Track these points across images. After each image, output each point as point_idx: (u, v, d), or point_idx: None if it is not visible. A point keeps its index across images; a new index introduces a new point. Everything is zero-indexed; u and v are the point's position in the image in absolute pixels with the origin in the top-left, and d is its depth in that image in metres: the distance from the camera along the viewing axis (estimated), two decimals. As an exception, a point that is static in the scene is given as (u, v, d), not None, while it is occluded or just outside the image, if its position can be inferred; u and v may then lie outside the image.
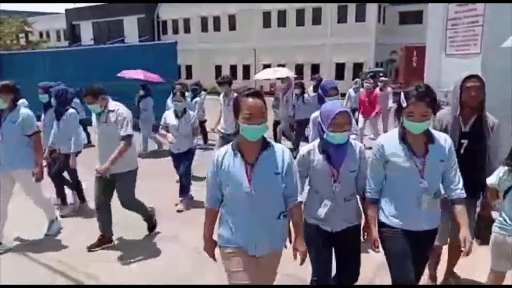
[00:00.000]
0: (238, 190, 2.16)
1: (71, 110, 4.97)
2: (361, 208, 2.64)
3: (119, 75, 10.61)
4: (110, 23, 37.89)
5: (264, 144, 2.21)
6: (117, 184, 4.04)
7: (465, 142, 2.92)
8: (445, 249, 3.26)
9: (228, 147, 2.25)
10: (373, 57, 27.51)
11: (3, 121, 4.01)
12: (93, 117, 4.12)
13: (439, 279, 3.36)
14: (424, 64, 5.04)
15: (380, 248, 2.49)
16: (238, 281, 2.23)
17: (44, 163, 4.88)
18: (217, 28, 33.75)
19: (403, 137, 2.37)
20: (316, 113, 3.39)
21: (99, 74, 9.93)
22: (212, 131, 6.65)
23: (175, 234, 4.52)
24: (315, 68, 28.96)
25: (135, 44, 24.24)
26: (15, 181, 4.17)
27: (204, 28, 34.37)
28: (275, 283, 2.47)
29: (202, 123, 8.76)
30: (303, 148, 2.65)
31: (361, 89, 10.06)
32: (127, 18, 36.81)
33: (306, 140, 8.42)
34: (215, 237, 2.39)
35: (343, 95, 8.36)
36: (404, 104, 2.29)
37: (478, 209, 3.10)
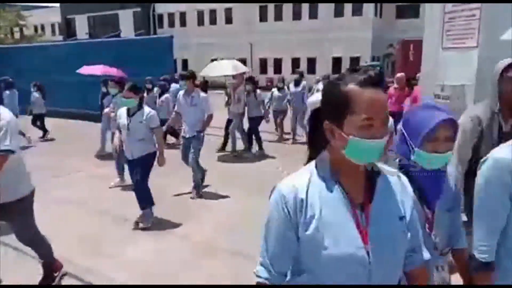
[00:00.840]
0: (345, 252, 1.19)
1: None
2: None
3: (78, 71, 10.29)
4: (105, 17, 37.65)
5: (372, 170, 1.28)
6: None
7: None
8: None
9: (310, 174, 1.25)
10: (370, 51, 27.53)
11: None
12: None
13: None
14: (421, 58, 5.05)
15: None
16: None
17: None
18: (213, 21, 33.62)
19: None
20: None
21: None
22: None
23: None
24: (311, 62, 28.96)
25: (131, 38, 24.12)
26: None
27: (201, 22, 34.23)
28: None
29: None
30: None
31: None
32: (122, 11, 36.60)
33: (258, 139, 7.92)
34: None
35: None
36: None
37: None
